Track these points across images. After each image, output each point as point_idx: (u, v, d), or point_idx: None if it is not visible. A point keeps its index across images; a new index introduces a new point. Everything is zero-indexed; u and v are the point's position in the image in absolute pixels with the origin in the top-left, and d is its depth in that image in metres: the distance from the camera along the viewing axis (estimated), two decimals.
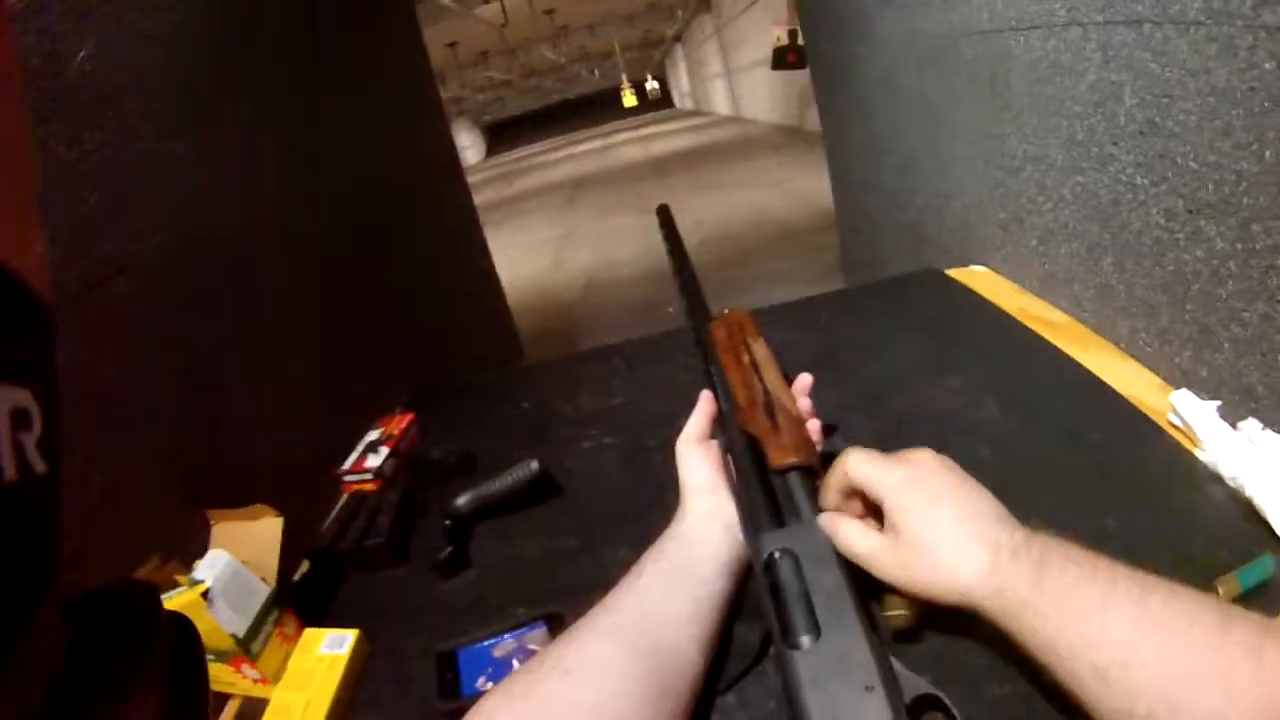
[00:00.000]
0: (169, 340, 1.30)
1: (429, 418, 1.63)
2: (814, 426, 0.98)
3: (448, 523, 1.24)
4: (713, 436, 1.00)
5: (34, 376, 0.29)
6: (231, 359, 1.47)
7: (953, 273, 1.84)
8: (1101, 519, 0.97)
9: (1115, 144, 1.30)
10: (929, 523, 0.75)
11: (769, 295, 1.76)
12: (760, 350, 1.05)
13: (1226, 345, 1.13)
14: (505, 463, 1.28)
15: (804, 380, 1.06)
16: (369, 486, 1.45)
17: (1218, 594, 0.80)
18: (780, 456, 0.87)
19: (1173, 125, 1.15)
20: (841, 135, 3.26)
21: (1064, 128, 1.44)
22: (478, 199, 3.86)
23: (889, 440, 1.07)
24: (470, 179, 3.90)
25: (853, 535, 0.77)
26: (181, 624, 0.40)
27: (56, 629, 0.32)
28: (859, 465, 0.80)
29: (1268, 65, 0.95)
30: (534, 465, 1.25)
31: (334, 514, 1.43)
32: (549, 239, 10.07)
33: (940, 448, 0.88)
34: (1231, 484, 0.99)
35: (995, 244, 1.83)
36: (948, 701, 0.66)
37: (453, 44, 17.38)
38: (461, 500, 1.26)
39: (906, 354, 1.47)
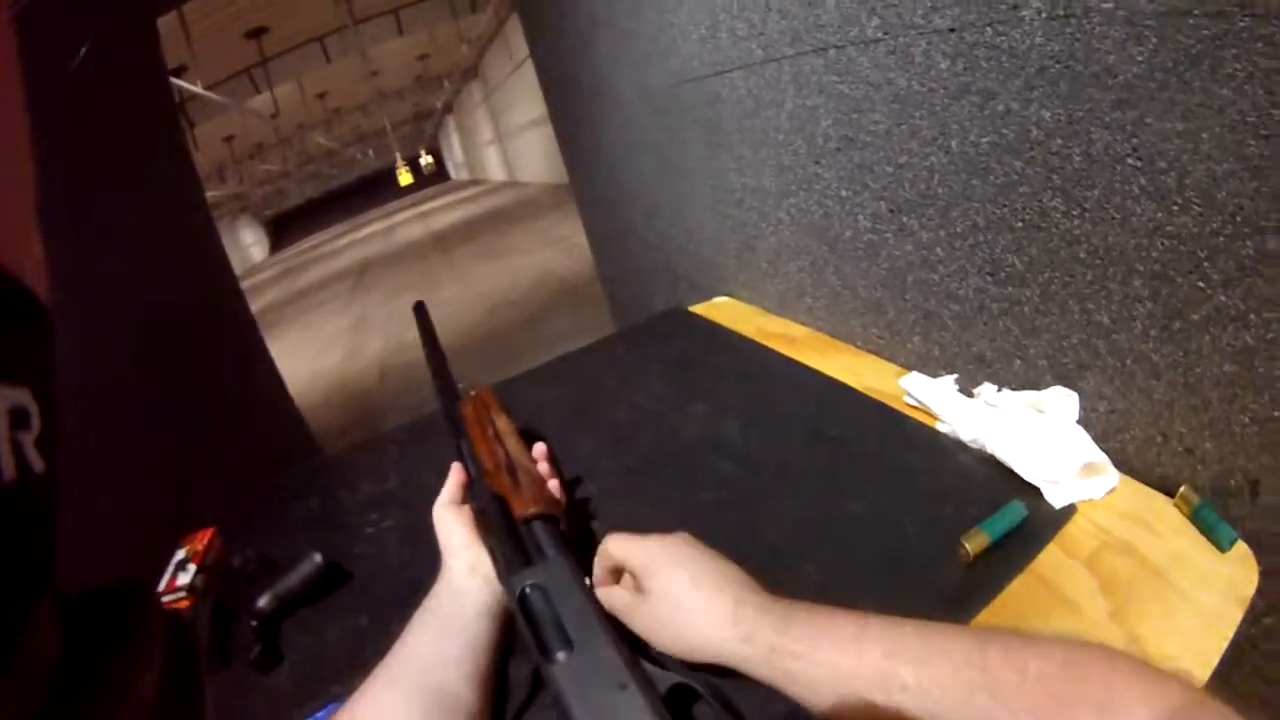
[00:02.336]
0: None
1: (231, 528, 1.62)
2: (553, 484, 1.02)
3: (254, 623, 1.25)
4: (464, 501, 1.06)
5: (32, 375, 0.29)
6: None
7: (696, 307, 1.91)
8: (849, 505, 1.02)
9: (818, 163, 1.38)
10: (672, 581, 0.78)
11: (552, 353, 1.80)
12: (502, 422, 1.11)
13: (950, 323, 1.22)
14: (301, 553, 1.29)
15: (540, 448, 1.10)
16: (184, 604, 1.42)
17: (965, 550, 0.86)
18: (523, 508, 0.91)
19: (866, 137, 1.23)
20: (591, 190, 3.35)
21: (773, 156, 1.52)
22: (266, 298, 3.78)
23: (638, 476, 1.12)
24: (256, 278, 3.82)
25: (612, 595, 0.82)
26: (177, 624, 0.40)
27: (54, 627, 0.32)
28: (616, 544, 0.85)
29: (943, 65, 1.03)
30: (317, 558, 1.28)
31: (155, 640, 1.41)
32: (340, 329, 9.83)
33: (687, 473, 0.92)
34: (974, 446, 1.06)
35: (733, 273, 1.91)
36: (699, 688, 0.70)
37: (229, 138, 16.98)
38: (263, 601, 1.27)
39: (653, 392, 1.50)
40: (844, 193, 1.34)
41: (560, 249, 9.20)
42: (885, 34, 1.12)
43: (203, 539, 1.57)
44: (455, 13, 12.01)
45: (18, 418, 0.27)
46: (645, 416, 1.41)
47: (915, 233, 1.21)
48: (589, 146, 3.05)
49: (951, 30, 1.00)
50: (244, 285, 3.96)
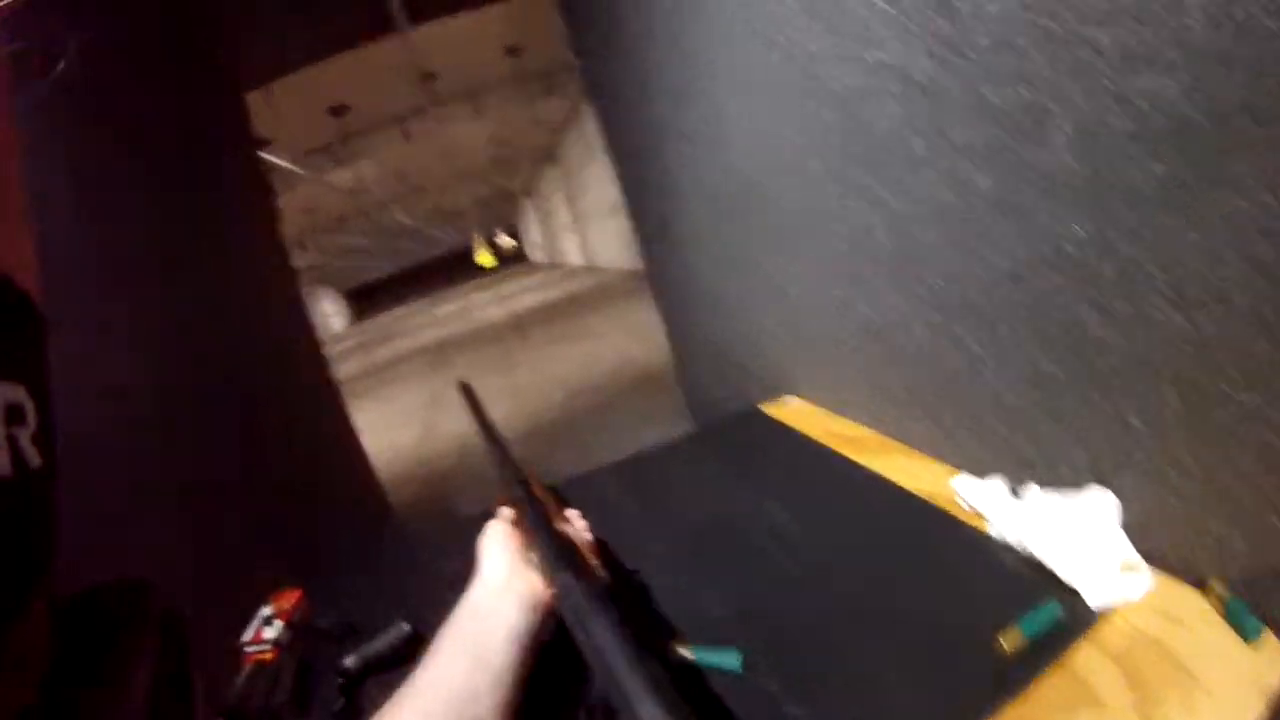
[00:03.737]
0: None
1: (315, 589, 1.69)
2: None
3: (340, 680, 1.34)
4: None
5: (27, 373, 0.31)
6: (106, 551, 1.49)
7: (768, 407, 2.01)
8: (893, 599, 1.11)
9: (876, 273, 1.49)
10: None
11: (632, 438, 1.89)
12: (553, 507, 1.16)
13: (999, 427, 1.29)
14: (384, 624, 1.40)
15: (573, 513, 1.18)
16: (268, 656, 1.50)
17: (1001, 646, 0.94)
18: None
19: (918, 249, 1.33)
20: (664, 282, 3.46)
21: (835, 264, 1.63)
22: (344, 369, 3.83)
23: (705, 572, 1.26)
24: (335, 348, 3.87)
25: None
26: (171, 623, 0.41)
27: (46, 624, 0.33)
28: None
29: (983, 184, 1.13)
30: (405, 627, 1.38)
31: (240, 680, 1.46)
32: (417, 406, 9.95)
33: (744, 565, 1.01)
34: (1019, 548, 1.13)
35: (802, 373, 2.01)
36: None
37: (310, 210, 17.32)
38: (349, 661, 1.35)
39: (722, 493, 1.60)
40: (901, 302, 1.44)
41: (636, 336, 9.20)
42: (930, 153, 1.22)
43: (290, 598, 1.65)
44: (532, 98, 12.22)
45: (13, 414, 0.30)
46: (715, 517, 1.51)
47: (965, 342, 1.30)
48: (661, 240, 3.17)
49: (989, 151, 1.09)
50: (326, 353, 4.04)
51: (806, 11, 1.44)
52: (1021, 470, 1.27)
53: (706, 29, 1.92)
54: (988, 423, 1.32)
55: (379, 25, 5.04)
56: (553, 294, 19.68)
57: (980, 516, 1.24)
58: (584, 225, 23.02)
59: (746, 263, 2.15)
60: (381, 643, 1.39)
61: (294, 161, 10.18)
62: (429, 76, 9.55)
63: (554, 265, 32.04)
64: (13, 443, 0.29)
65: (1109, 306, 1.00)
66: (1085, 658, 0.94)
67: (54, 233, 1.72)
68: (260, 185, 4.05)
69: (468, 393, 1.59)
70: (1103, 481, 1.11)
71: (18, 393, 0.30)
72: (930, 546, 1.24)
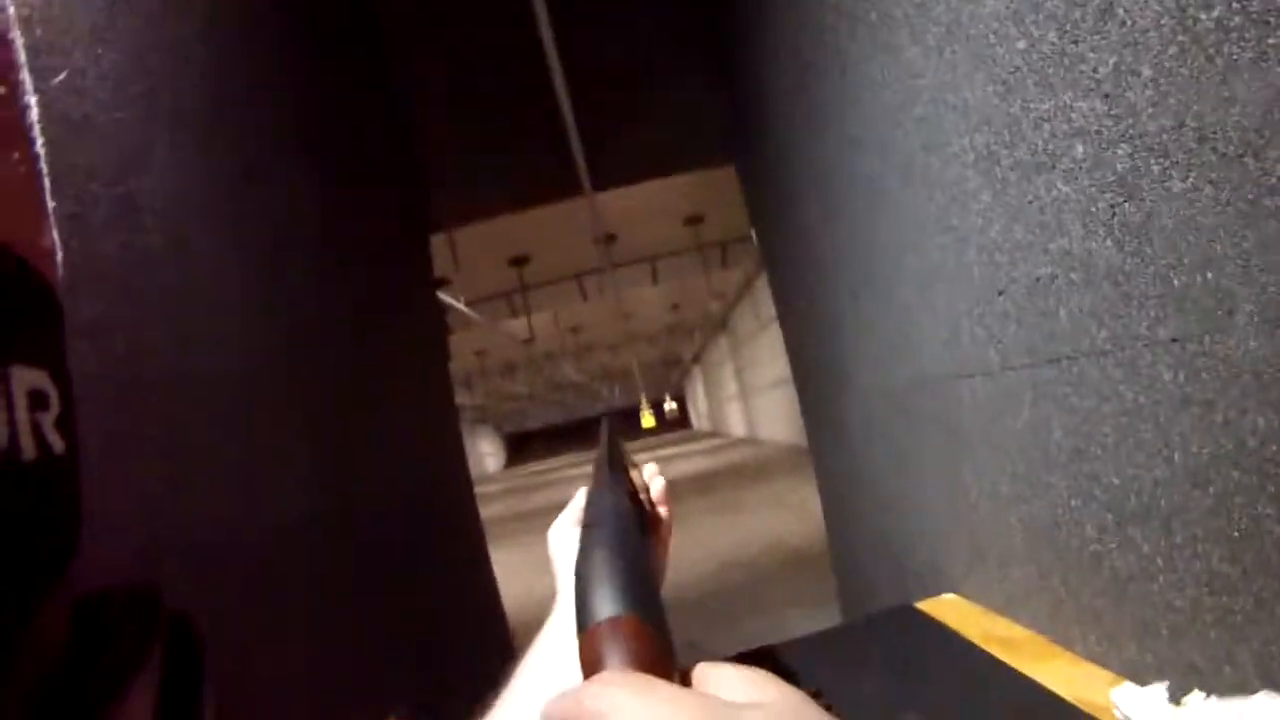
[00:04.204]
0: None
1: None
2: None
3: None
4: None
5: (49, 358, 0.31)
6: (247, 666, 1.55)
7: (923, 604, 1.97)
8: None
9: (1050, 472, 1.46)
10: None
11: (777, 619, 1.87)
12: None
13: (1165, 632, 1.24)
14: None
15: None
16: None
17: None
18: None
19: (1095, 449, 1.31)
20: (828, 466, 3.45)
21: (1008, 464, 1.61)
22: (495, 508, 3.87)
23: None
24: (489, 488, 3.92)
25: None
26: (182, 624, 0.41)
27: (65, 615, 0.33)
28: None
29: (1166, 376, 1.11)
30: None
31: None
32: None
33: None
34: None
35: (961, 573, 1.96)
36: None
37: (480, 352, 17.81)
38: None
39: (865, 693, 1.55)
40: (1073, 503, 1.41)
41: (794, 514, 9.15)
42: (1113, 345, 1.21)
43: None
44: (707, 266, 12.41)
45: (37, 399, 0.29)
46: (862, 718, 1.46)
47: (1138, 544, 1.26)
48: (829, 425, 3.18)
49: (1174, 340, 1.08)
50: (476, 492, 4.10)
51: (991, 198, 1.48)
52: (1186, 676, 1.21)
53: (890, 219, 1.97)
54: (1154, 627, 1.27)
55: (565, 186, 5.21)
56: (712, 462, 19.67)
57: None
58: (749, 397, 23.08)
59: (915, 455, 2.14)
60: None
61: (470, 304, 10.46)
62: (609, 238, 9.80)
63: (716, 434, 32.04)
64: (36, 427, 0.30)
65: None
66: None
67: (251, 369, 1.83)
68: (437, 323, 4.27)
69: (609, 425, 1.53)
70: (1273, 686, 1.05)
71: (41, 378, 0.31)
72: None
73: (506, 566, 3.93)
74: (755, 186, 3.61)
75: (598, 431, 1.16)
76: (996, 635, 1.68)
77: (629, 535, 0.65)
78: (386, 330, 3.16)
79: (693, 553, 8.43)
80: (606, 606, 0.50)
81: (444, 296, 9.32)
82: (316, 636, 1.95)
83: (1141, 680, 1.27)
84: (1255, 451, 0.99)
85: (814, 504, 3.75)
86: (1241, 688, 1.10)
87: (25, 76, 0.35)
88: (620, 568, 0.55)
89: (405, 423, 3.18)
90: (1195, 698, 1.15)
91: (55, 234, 0.35)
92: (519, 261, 10.56)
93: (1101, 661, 1.44)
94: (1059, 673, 1.45)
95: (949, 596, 2.01)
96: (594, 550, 0.59)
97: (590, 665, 0.46)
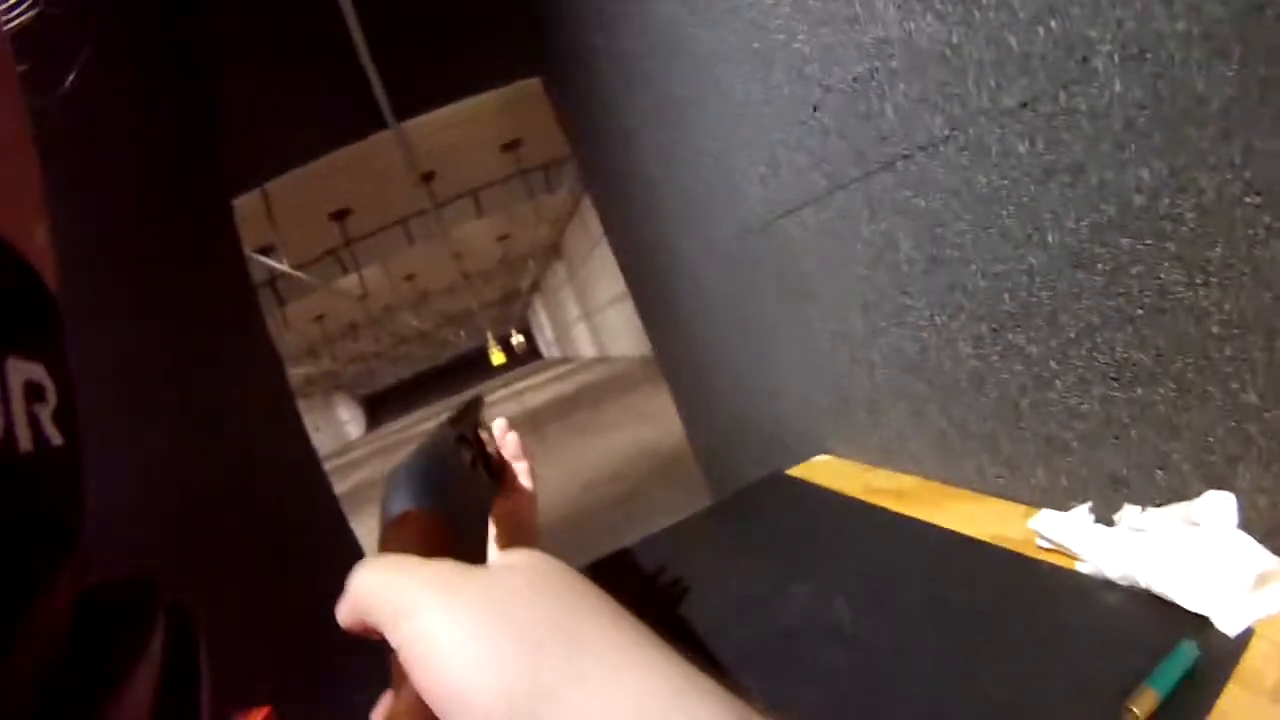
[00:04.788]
0: None
1: (287, 710, 1.61)
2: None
3: None
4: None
5: (46, 352, 0.31)
6: None
7: (794, 470, 1.83)
8: (986, 686, 0.89)
9: (905, 292, 1.31)
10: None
11: (652, 529, 1.72)
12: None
13: (1075, 444, 1.11)
14: None
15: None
16: None
17: (1134, 715, 0.73)
18: None
19: (952, 251, 1.16)
20: (673, 361, 3.35)
21: (856, 294, 1.46)
22: (359, 475, 3.77)
23: (734, 674, 1.01)
24: (352, 454, 3.82)
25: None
26: (180, 615, 0.40)
27: (65, 609, 0.32)
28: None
29: (1021, 148, 0.97)
30: None
31: None
32: None
33: (790, 666, 0.87)
34: (1124, 584, 0.94)
35: (829, 428, 1.83)
36: None
37: (319, 317, 17.54)
38: None
39: (749, 573, 1.40)
40: (938, 319, 1.26)
41: (654, 423, 9.22)
42: (953, 129, 1.07)
43: (257, 717, 1.59)
44: (532, 192, 12.41)
45: (34, 392, 0.29)
46: (741, 603, 1.30)
47: (1023, 349, 1.12)
48: (666, 316, 3.08)
49: (1023, 106, 0.95)
50: (338, 462, 4.02)
51: (791, 6, 1.33)
52: (1112, 491, 1.08)
53: (690, 64, 1.83)
54: (1062, 441, 1.13)
55: (369, 119, 5.01)
56: (567, 386, 19.91)
57: (1071, 556, 1.04)
58: (593, 317, 23.28)
59: (757, 317, 2.01)
60: None
61: (298, 267, 10.20)
62: (428, 176, 9.64)
63: (566, 359, 32.25)
64: (33, 420, 0.29)
65: (1198, 260, 0.82)
66: (1236, 703, 0.73)
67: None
68: (248, 295, 4.02)
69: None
70: (1216, 483, 0.92)
71: (37, 371, 0.30)
72: (1018, 607, 1.02)
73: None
74: (563, 96, 3.50)
75: (452, 381, 1.05)
76: (880, 488, 1.54)
77: (433, 449, 0.66)
78: (193, 304, 3.00)
79: (558, 477, 8.51)
80: (395, 504, 0.53)
81: (269, 261, 9.25)
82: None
83: (1059, 506, 1.13)
84: (1145, 209, 0.85)
85: (673, 411, 3.70)
86: (1180, 493, 0.97)
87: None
88: (413, 471, 0.58)
89: (227, 405, 3.06)
90: (1129, 512, 1.01)
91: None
92: (341, 215, 10.26)
93: (1006, 494, 1.30)
94: (959, 514, 1.30)
95: (821, 458, 1.87)
96: (395, 466, 0.60)
97: None
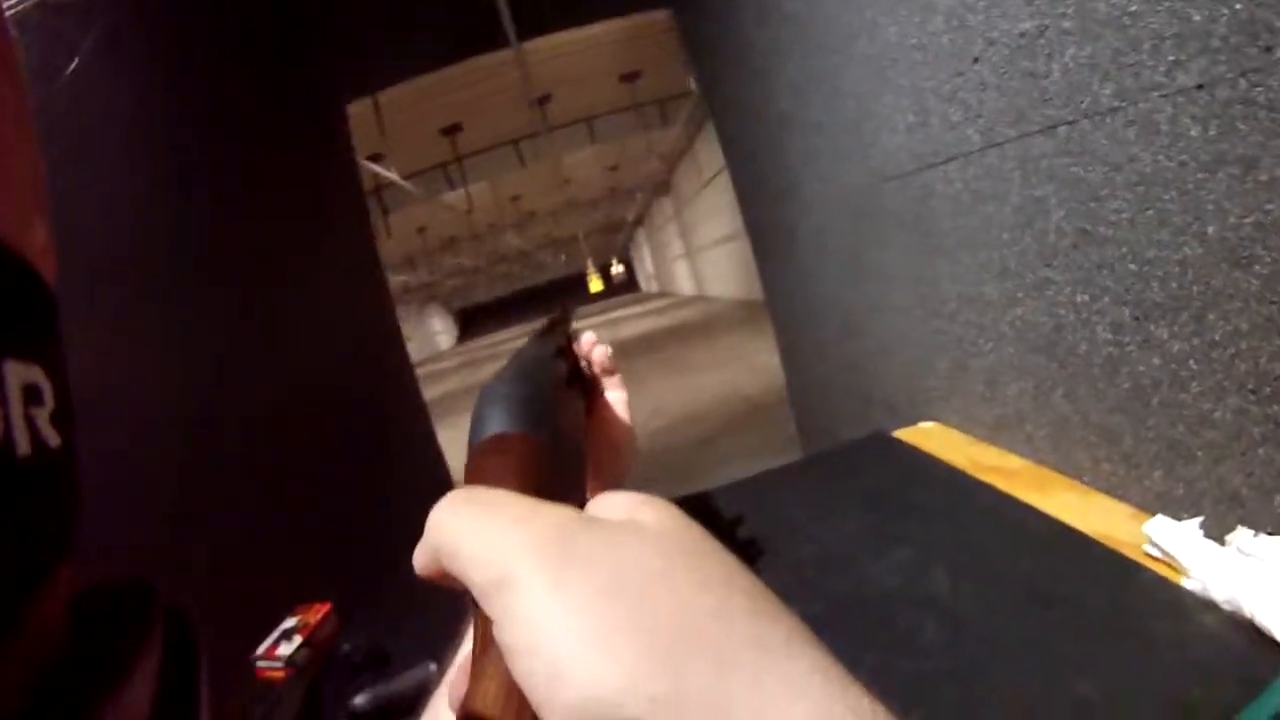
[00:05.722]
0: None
1: (352, 608, 1.63)
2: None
3: None
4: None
5: (44, 353, 0.30)
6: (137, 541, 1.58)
7: (900, 433, 1.78)
8: (1075, 685, 0.86)
9: (1049, 265, 1.25)
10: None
11: (732, 474, 1.69)
12: None
13: (1200, 454, 1.05)
14: (421, 658, 1.27)
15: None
16: (278, 675, 1.45)
17: None
18: None
19: (1105, 229, 1.10)
20: (783, 304, 3.28)
21: (995, 260, 1.40)
22: (449, 384, 3.81)
23: (822, 629, 0.98)
24: (442, 364, 3.86)
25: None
26: (178, 618, 0.38)
27: (63, 611, 0.32)
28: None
29: (1193, 132, 0.91)
30: (431, 668, 1.25)
31: (239, 701, 1.44)
32: None
33: (883, 631, 0.82)
34: (1227, 608, 0.89)
35: (942, 395, 1.78)
36: None
37: (421, 229, 17.73)
38: (360, 699, 1.24)
39: (847, 530, 1.37)
40: (1079, 298, 1.20)
41: (745, 366, 9.22)
42: (1122, 101, 1.01)
43: (317, 612, 1.63)
44: (647, 126, 12.33)
45: (31, 394, 0.28)
46: (835, 559, 1.27)
47: (1164, 344, 1.06)
48: (781, 256, 3.02)
49: (1199, 88, 0.89)
50: (428, 370, 4.04)
51: None
52: (1227, 509, 1.03)
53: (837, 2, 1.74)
54: (1186, 447, 1.07)
55: (491, 38, 4.97)
56: (662, 321, 19.97)
57: (1177, 569, 0.99)
58: (695, 256, 23.22)
59: (880, 268, 1.95)
60: (400, 683, 1.26)
61: (405, 179, 10.33)
62: (543, 100, 9.60)
63: (664, 294, 32.25)
64: (31, 423, 0.28)
65: None
66: None
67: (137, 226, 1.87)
68: (358, 200, 4.08)
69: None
70: None
71: (34, 373, 0.29)
72: (1117, 611, 0.98)
73: (462, 432, 3.90)
74: (693, 25, 3.40)
75: (548, 304, 1.01)
76: (987, 464, 1.49)
77: (534, 367, 0.62)
78: (294, 209, 3.02)
79: (639, 411, 8.41)
80: (491, 425, 0.49)
81: (378, 169, 9.30)
82: (253, 527, 2.02)
83: (1170, 515, 1.08)
84: None
85: (767, 357, 3.65)
86: None
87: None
88: (510, 391, 0.53)
89: (330, 305, 3.12)
90: (1242, 535, 0.96)
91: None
92: (451, 131, 10.32)
93: (1116, 492, 1.24)
94: (1066, 505, 1.25)
95: (928, 425, 1.82)
96: (491, 382, 0.55)
97: (471, 485, 0.41)
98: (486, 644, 0.34)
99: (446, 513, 0.35)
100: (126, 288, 1.74)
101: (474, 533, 0.34)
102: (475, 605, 0.33)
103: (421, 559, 0.36)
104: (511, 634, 0.30)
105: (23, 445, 0.27)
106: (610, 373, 0.94)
